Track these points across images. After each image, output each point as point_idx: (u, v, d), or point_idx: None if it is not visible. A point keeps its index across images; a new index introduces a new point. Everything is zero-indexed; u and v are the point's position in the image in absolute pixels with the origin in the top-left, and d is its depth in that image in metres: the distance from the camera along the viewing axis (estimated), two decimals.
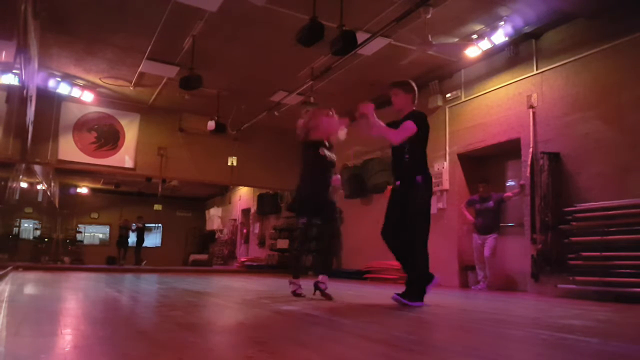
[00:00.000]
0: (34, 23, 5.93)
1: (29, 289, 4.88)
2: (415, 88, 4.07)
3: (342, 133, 4.47)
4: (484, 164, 7.75)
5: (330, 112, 4.47)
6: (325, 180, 4.35)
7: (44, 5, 6.12)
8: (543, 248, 5.86)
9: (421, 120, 3.85)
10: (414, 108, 4.02)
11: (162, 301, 4.06)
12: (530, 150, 6.39)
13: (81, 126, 10.08)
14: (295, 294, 4.30)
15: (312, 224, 4.45)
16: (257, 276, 10.07)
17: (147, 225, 15.83)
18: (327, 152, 4.32)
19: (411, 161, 3.81)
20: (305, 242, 4.69)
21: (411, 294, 3.66)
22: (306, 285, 4.47)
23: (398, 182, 3.91)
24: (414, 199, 3.74)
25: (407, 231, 3.74)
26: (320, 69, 7.89)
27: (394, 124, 3.99)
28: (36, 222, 19.45)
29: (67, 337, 2.09)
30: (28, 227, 19.59)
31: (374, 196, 9.32)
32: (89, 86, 9.50)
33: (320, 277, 4.27)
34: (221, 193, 19.39)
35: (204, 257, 17.61)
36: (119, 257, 15.16)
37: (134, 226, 15.20)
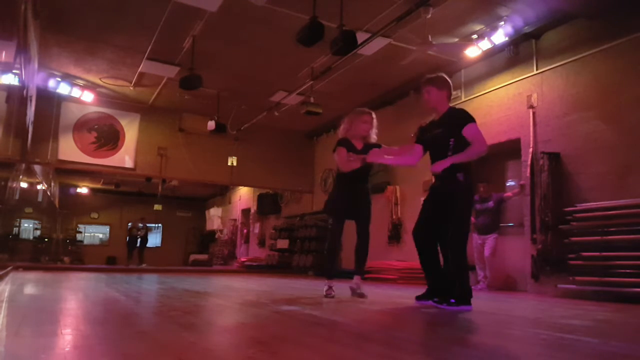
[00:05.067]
0: (34, 23, 5.93)
1: (29, 289, 4.88)
2: (449, 82, 3.77)
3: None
4: (484, 164, 7.73)
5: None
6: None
7: (44, 5, 6.12)
8: (543, 248, 5.86)
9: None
10: (450, 105, 3.79)
11: (162, 301, 4.06)
12: (530, 150, 6.39)
13: (81, 126, 10.09)
14: (329, 295, 4.19)
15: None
16: (257, 276, 10.06)
17: (148, 225, 15.66)
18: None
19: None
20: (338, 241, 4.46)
21: (459, 296, 3.49)
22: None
23: (438, 183, 3.67)
24: (455, 198, 3.52)
25: (444, 231, 3.54)
26: (320, 69, 7.89)
27: (432, 125, 3.77)
28: (36, 222, 19.46)
29: (67, 337, 2.09)
30: (28, 227, 19.59)
31: (373, 196, 9.30)
32: (89, 86, 9.50)
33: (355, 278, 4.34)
34: (221, 193, 19.39)
35: (204, 257, 17.61)
36: (128, 257, 15.00)
37: (140, 226, 14.99)
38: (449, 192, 3.55)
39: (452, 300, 3.48)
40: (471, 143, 3.48)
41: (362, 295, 4.22)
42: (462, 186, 3.53)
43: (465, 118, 3.56)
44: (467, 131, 3.49)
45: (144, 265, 13.68)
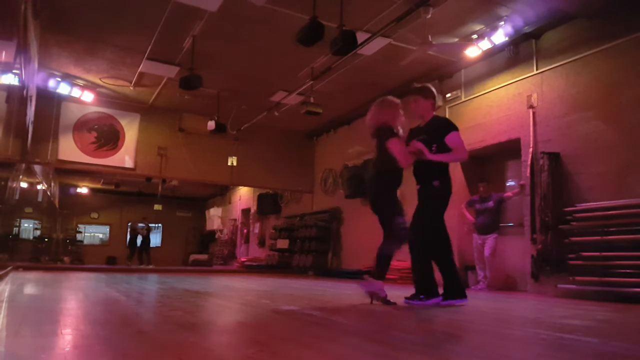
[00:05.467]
0: (34, 23, 5.93)
1: (29, 289, 4.88)
2: (435, 92, 4.12)
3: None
4: (484, 164, 7.75)
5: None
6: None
7: (44, 5, 6.12)
8: (543, 248, 5.86)
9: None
10: (435, 113, 4.10)
11: (162, 301, 4.06)
12: (530, 150, 6.39)
13: (81, 126, 10.09)
14: (387, 301, 3.72)
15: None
16: (257, 276, 10.06)
17: (150, 225, 15.55)
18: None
19: (434, 165, 3.86)
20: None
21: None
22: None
23: (419, 187, 4.02)
24: (430, 199, 3.91)
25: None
26: (320, 69, 7.88)
27: (417, 130, 4.05)
28: (36, 222, 19.46)
29: (67, 337, 2.09)
30: (28, 227, 19.59)
31: None
32: (89, 86, 9.50)
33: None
34: (221, 193, 19.39)
35: (204, 257, 17.60)
36: (129, 257, 14.88)
37: (141, 226, 14.79)
38: (426, 195, 3.96)
39: (422, 296, 3.75)
40: (453, 150, 3.80)
41: (386, 302, 3.71)
42: (438, 190, 3.88)
43: (449, 126, 3.90)
44: (450, 139, 3.81)
45: (151, 266, 13.59)
